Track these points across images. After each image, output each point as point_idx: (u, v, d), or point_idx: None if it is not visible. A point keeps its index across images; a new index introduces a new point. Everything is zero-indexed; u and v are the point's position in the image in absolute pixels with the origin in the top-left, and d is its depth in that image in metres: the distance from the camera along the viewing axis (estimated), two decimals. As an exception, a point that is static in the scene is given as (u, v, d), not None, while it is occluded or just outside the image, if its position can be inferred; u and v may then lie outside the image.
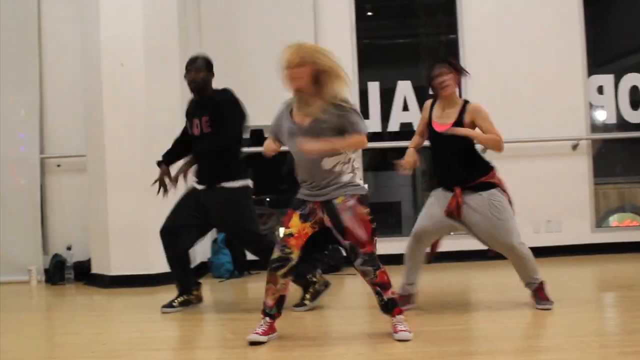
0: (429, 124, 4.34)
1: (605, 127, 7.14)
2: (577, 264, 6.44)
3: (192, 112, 4.76)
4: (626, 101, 7.03)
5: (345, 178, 3.61)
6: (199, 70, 4.72)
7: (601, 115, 7.14)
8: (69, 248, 6.47)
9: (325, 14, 6.96)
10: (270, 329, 3.68)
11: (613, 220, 7.41)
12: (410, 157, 4.39)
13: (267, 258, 3.79)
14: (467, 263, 6.47)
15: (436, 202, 4.30)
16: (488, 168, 4.29)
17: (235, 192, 4.64)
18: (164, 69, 6.16)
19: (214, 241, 6.59)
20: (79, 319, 4.66)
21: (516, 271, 4.33)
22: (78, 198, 6.60)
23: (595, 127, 7.08)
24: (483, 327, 4.03)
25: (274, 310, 3.68)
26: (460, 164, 4.25)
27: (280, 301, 3.68)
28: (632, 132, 7.06)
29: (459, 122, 4.20)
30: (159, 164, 4.85)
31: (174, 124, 5.96)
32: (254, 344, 3.57)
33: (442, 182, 4.36)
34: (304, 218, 3.62)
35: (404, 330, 3.58)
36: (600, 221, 7.13)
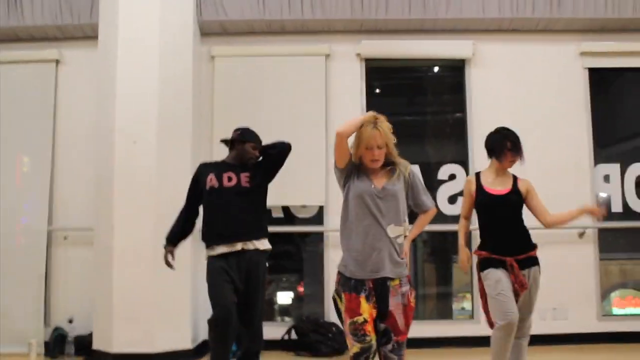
0: (479, 193, 4.44)
1: (612, 216, 7.15)
2: (582, 354, 6.37)
3: (222, 168, 4.72)
4: (632, 190, 7.08)
5: (402, 256, 3.58)
6: (256, 149, 4.77)
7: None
8: (70, 321, 6.43)
9: (336, 91, 7.11)
10: None
11: (615, 296, 7.37)
12: (465, 255, 4.48)
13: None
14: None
15: (507, 282, 4.30)
16: (533, 242, 4.45)
17: (265, 254, 4.66)
18: (176, 147, 6.27)
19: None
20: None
21: (522, 357, 4.40)
22: (83, 271, 6.59)
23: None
24: None
25: None
26: (518, 230, 4.42)
27: None
28: (638, 222, 7.08)
29: (515, 189, 4.43)
30: (166, 245, 4.80)
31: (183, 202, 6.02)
32: None
33: (499, 250, 4.36)
34: (368, 300, 3.48)
35: None
36: (601, 297, 7.08)
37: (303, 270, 7.42)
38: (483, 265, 4.45)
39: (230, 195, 4.61)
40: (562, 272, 6.71)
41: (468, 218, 4.62)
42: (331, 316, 6.70)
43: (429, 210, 3.75)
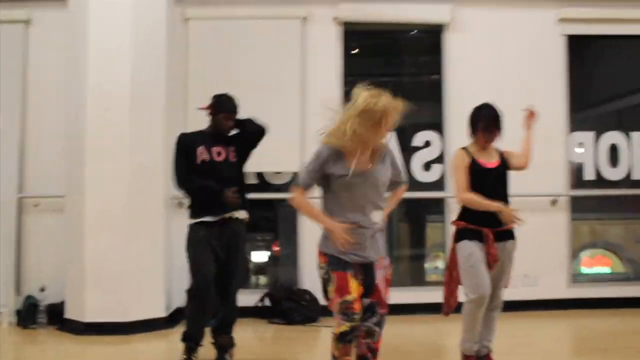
0: (473, 164, 4.43)
1: (584, 184, 7.20)
2: (552, 320, 6.50)
3: (209, 141, 4.73)
4: (605, 158, 7.13)
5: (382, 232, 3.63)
6: (230, 119, 4.77)
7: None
8: (42, 289, 6.38)
9: (313, 55, 6.98)
10: None
11: (584, 255, 7.50)
12: (502, 206, 4.39)
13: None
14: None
15: (479, 255, 4.31)
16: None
17: (244, 225, 4.79)
18: (149, 112, 6.16)
19: (191, 289, 6.52)
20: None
21: (492, 328, 4.47)
22: (55, 239, 6.50)
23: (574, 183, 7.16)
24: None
25: None
26: (503, 203, 4.39)
27: None
28: (610, 190, 7.17)
29: (503, 161, 4.51)
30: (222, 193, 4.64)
31: (157, 169, 5.97)
32: None
33: (479, 221, 4.35)
34: (355, 278, 3.50)
35: None
36: (572, 257, 7.21)
37: (278, 231, 7.43)
38: (459, 235, 4.45)
39: (221, 169, 4.69)
40: (534, 239, 6.70)
41: (469, 188, 4.52)
42: (305, 283, 6.73)
43: (403, 185, 3.83)
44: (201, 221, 4.65)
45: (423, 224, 7.67)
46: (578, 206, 7.18)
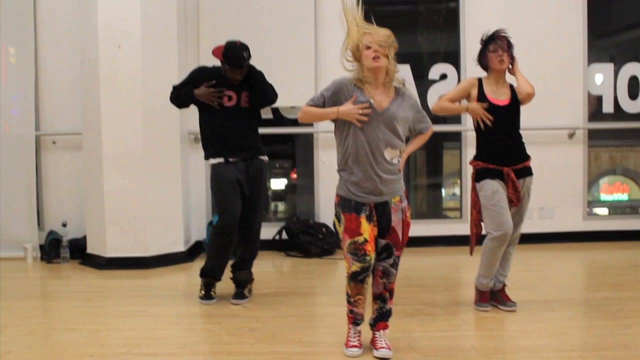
0: (482, 99, 4.37)
1: (603, 116, 7.12)
2: (567, 253, 6.56)
3: (223, 84, 4.70)
4: (624, 90, 7.02)
5: (399, 173, 3.59)
6: (245, 71, 4.71)
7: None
8: (64, 224, 6.52)
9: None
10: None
11: (604, 182, 7.52)
12: (480, 109, 4.37)
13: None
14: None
15: (502, 193, 4.33)
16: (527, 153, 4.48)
17: (265, 165, 4.88)
18: (161, 51, 6.13)
19: (210, 223, 6.63)
20: (77, 311, 4.70)
21: (508, 263, 4.53)
22: (74, 175, 6.64)
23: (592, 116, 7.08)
24: (472, 336, 4.12)
25: (362, 320, 3.69)
26: (517, 142, 4.41)
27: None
28: (629, 122, 7.09)
29: (515, 100, 4.39)
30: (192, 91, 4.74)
31: (171, 107, 5.96)
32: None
33: (498, 160, 4.35)
34: (369, 219, 3.50)
35: (385, 347, 3.59)
36: (590, 184, 7.26)
37: (295, 160, 7.52)
38: (479, 175, 4.43)
39: (230, 114, 4.70)
40: (551, 172, 6.76)
41: (453, 101, 4.51)
42: (321, 217, 6.81)
43: (430, 129, 3.73)
44: (226, 160, 4.69)
45: (440, 154, 7.67)
46: (597, 136, 7.17)
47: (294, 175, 7.54)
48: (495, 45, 4.37)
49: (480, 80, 4.48)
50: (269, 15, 6.72)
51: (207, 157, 4.80)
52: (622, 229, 6.98)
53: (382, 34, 3.46)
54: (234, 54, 4.63)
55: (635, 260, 6.20)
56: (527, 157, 4.45)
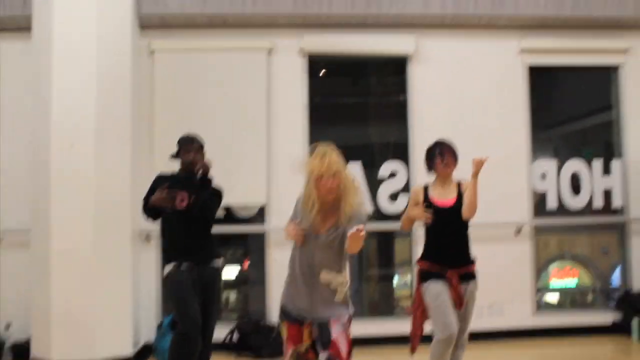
0: (428, 205, 4.49)
1: (547, 212, 7.33)
2: (518, 350, 6.60)
3: (177, 186, 4.66)
4: (567, 186, 7.27)
5: (339, 296, 3.56)
6: (199, 150, 4.78)
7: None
8: (7, 326, 6.31)
9: (279, 86, 7.03)
10: None
11: (553, 267, 7.64)
12: (416, 210, 4.49)
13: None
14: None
15: (446, 294, 4.38)
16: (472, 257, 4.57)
17: (219, 268, 4.89)
18: (115, 148, 6.11)
19: (159, 325, 6.49)
20: None
21: None
22: (20, 274, 6.41)
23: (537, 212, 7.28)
24: None
25: None
26: (462, 244, 4.52)
27: None
28: (573, 218, 7.31)
29: (460, 198, 4.48)
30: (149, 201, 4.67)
31: (124, 203, 5.93)
32: None
33: (441, 261, 4.43)
34: (308, 330, 3.54)
35: None
36: (540, 270, 7.39)
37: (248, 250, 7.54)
38: (424, 277, 4.51)
39: (184, 216, 4.66)
40: (499, 268, 6.84)
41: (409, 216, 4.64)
42: (273, 317, 6.74)
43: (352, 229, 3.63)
44: (179, 264, 4.65)
45: (391, 244, 7.73)
46: (542, 231, 7.39)
47: (246, 265, 7.47)
48: (441, 150, 4.54)
49: (426, 187, 4.61)
50: (222, 114, 6.82)
51: (163, 263, 4.78)
52: (572, 324, 7.06)
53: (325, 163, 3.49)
54: (183, 137, 4.82)
55: (585, 358, 6.26)
56: (471, 262, 4.54)
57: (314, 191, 3.48)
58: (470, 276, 4.51)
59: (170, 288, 4.70)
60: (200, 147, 4.82)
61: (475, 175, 4.36)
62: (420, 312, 4.55)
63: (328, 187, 3.45)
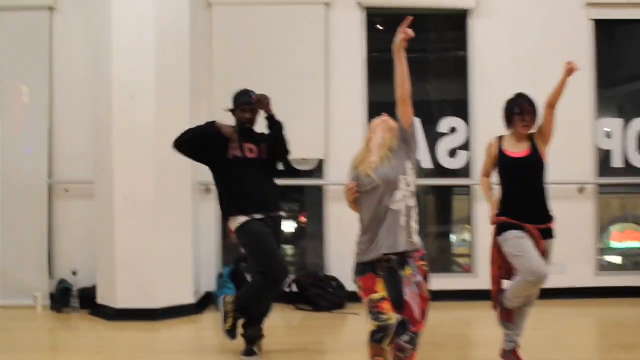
0: (500, 156, 4.41)
1: (613, 171, 7.12)
2: (579, 310, 6.52)
3: (243, 136, 4.76)
4: (633, 145, 7.05)
5: (415, 234, 3.57)
6: (256, 112, 4.82)
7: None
8: (74, 273, 6.50)
9: (336, 41, 6.94)
10: None
11: (614, 230, 7.46)
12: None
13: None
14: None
15: (527, 239, 4.22)
16: (552, 214, 4.39)
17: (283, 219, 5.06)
18: (175, 102, 6.17)
19: (220, 275, 6.61)
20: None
21: (523, 323, 4.45)
22: (86, 224, 6.61)
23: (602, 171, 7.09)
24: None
25: None
26: (539, 198, 4.33)
27: None
28: (638, 178, 7.09)
29: (534, 149, 4.34)
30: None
31: (184, 159, 6.00)
32: None
33: (519, 216, 4.26)
34: (384, 280, 3.52)
35: None
36: (601, 231, 7.21)
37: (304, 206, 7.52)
38: (502, 228, 4.32)
39: (254, 165, 4.75)
40: (561, 227, 6.64)
41: (488, 176, 4.61)
42: (332, 270, 6.79)
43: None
44: (252, 217, 4.69)
45: (449, 201, 7.66)
46: (606, 190, 7.18)
47: (303, 219, 7.50)
48: (522, 109, 4.38)
49: (500, 138, 4.49)
50: (280, 69, 6.79)
51: (229, 214, 4.79)
52: (634, 285, 6.90)
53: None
54: (240, 94, 4.84)
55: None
56: (551, 218, 4.37)
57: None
58: (549, 233, 4.33)
59: (252, 238, 4.69)
60: (256, 109, 4.81)
61: (566, 77, 4.32)
62: (497, 267, 4.40)
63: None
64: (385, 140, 3.64)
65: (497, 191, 4.53)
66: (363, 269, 3.57)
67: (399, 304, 3.47)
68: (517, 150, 4.38)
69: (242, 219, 4.69)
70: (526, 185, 4.33)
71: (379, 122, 3.71)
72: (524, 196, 4.33)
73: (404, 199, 3.53)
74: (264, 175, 4.79)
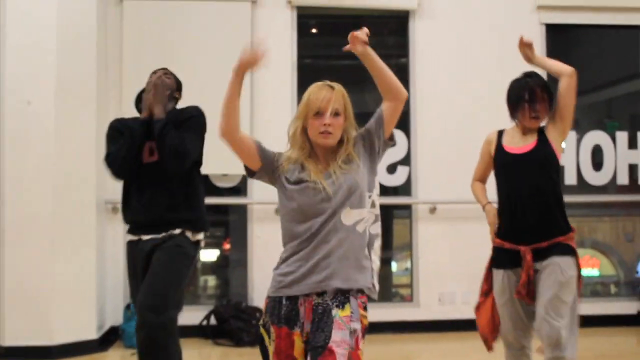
0: (498, 154, 3.52)
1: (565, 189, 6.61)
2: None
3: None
4: (588, 161, 6.58)
5: (367, 262, 2.74)
6: (168, 74, 3.99)
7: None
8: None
9: (263, 27, 6.29)
10: None
11: None
12: (493, 217, 3.50)
13: None
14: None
15: (507, 295, 3.39)
16: (569, 225, 3.41)
17: None
18: (78, 108, 5.55)
19: (127, 307, 5.88)
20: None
21: None
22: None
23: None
24: None
25: None
26: (544, 206, 3.35)
27: None
28: (593, 196, 6.64)
29: (541, 140, 3.41)
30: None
31: (88, 168, 5.45)
32: None
33: (513, 231, 3.38)
34: (303, 335, 2.54)
35: None
36: None
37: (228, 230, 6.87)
38: (492, 258, 3.53)
39: (152, 172, 3.75)
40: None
41: (483, 181, 3.71)
42: (255, 300, 6.10)
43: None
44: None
45: (390, 226, 7.05)
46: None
47: (227, 246, 6.85)
48: (532, 95, 3.44)
49: (501, 132, 3.59)
50: (200, 71, 6.01)
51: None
52: (592, 313, 6.23)
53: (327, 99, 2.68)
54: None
55: (608, 349, 5.77)
56: (563, 231, 3.37)
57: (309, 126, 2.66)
58: (559, 250, 3.32)
59: (187, 263, 3.74)
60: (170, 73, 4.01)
61: (532, 51, 3.69)
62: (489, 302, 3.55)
63: (327, 129, 2.61)
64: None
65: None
66: (280, 312, 2.57)
67: (321, 347, 2.45)
68: (520, 145, 3.46)
69: (196, 236, 3.88)
70: (527, 190, 3.37)
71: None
72: (524, 204, 3.37)
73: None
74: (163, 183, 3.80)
